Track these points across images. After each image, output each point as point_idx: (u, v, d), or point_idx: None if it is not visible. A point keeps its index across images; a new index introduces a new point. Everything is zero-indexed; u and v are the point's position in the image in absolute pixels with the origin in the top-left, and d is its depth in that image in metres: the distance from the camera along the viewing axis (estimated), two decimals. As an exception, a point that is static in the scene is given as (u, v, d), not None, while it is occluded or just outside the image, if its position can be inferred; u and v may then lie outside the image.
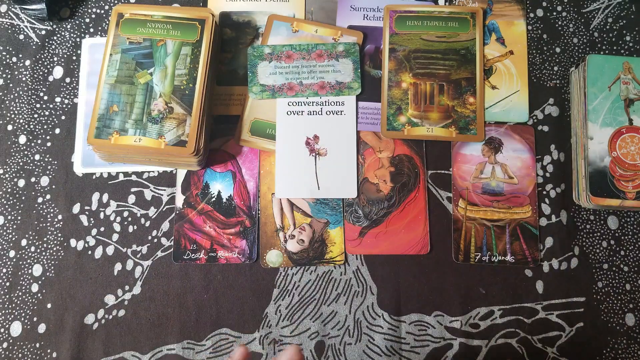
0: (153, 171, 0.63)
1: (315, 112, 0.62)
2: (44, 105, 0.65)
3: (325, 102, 0.63)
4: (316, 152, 0.61)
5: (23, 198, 0.63)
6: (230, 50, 0.65)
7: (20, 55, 0.66)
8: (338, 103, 0.63)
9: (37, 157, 0.64)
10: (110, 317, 0.59)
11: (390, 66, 0.63)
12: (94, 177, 0.63)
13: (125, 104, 0.59)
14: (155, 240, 0.61)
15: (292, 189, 0.61)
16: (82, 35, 0.67)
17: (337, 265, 0.60)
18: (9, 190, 0.63)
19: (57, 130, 0.64)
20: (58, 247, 0.61)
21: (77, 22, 0.67)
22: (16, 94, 0.65)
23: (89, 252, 0.61)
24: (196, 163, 0.59)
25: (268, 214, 0.61)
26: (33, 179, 0.63)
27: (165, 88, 0.59)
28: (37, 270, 0.61)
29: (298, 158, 0.61)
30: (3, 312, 0.60)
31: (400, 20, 0.64)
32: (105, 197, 0.62)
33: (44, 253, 0.61)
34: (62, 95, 0.65)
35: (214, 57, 0.62)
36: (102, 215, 0.62)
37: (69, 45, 0.66)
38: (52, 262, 0.61)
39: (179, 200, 0.62)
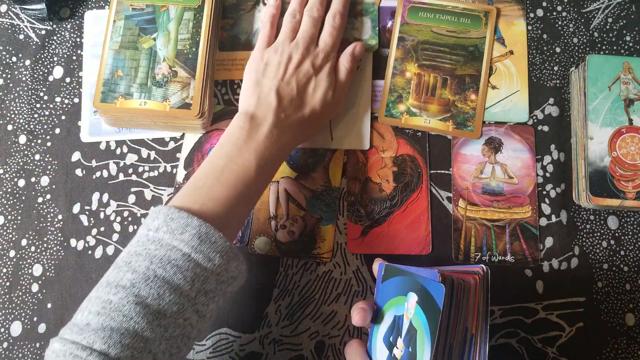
0: (156, 168, 0.63)
1: None
2: (44, 105, 0.65)
3: None
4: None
5: (23, 198, 0.63)
6: (231, 17, 0.66)
7: (20, 55, 0.66)
8: None
9: (37, 157, 0.64)
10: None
11: (397, 54, 0.64)
12: (94, 177, 0.63)
13: (129, 69, 0.60)
14: (156, 240, 0.61)
15: None
16: (82, 35, 0.67)
17: (323, 262, 0.60)
18: (9, 190, 0.63)
19: (57, 130, 0.64)
20: (58, 247, 0.61)
21: (77, 22, 0.67)
22: (16, 94, 0.65)
23: (89, 252, 0.61)
24: (201, 126, 0.61)
25: (263, 201, 0.61)
26: (33, 179, 0.63)
27: (169, 52, 0.60)
28: (37, 270, 0.61)
29: None
30: (3, 312, 0.60)
31: (413, 11, 0.65)
32: (105, 197, 0.62)
33: (44, 253, 0.61)
34: (62, 95, 0.65)
35: (216, 22, 0.63)
36: (102, 215, 0.62)
37: (69, 45, 0.66)
38: (52, 262, 0.61)
39: (180, 175, 0.62)
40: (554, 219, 0.61)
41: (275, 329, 0.59)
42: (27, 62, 0.66)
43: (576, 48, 0.65)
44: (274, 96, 0.54)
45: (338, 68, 0.60)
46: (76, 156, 0.64)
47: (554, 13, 0.66)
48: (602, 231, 0.61)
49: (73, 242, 0.61)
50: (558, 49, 0.65)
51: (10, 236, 0.62)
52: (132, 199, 0.62)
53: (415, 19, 0.65)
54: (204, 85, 0.60)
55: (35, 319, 0.59)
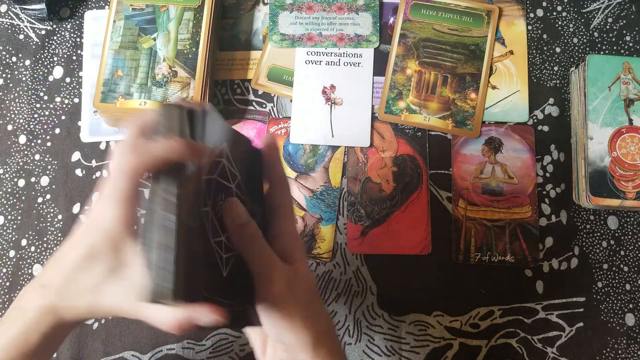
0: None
1: (333, 63, 0.64)
2: (44, 105, 0.65)
3: (344, 53, 0.64)
4: (332, 101, 0.63)
5: (23, 198, 0.63)
6: (231, 17, 0.67)
7: (20, 55, 0.66)
8: (356, 55, 0.64)
9: (37, 157, 0.63)
10: (110, 316, 0.59)
11: (398, 51, 0.64)
12: (94, 177, 0.63)
13: (129, 69, 0.60)
14: (156, 240, 0.61)
15: (306, 135, 0.63)
16: (82, 35, 0.66)
17: (323, 262, 0.60)
18: (9, 190, 0.63)
19: (57, 130, 0.64)
20: (58, 247, 0.61)
21: (77, 22, 0.67)
22: (16, 94, 0.65)
23: (89, 252, 0.61)
24: None
25: None
26: (33, 179, 0.63)
27: (169, 52, 0.61)
28: (37, 270, 0.61)
29: (314, 106, 0.63)
30: (3, 312, 0.60)
31: (416, 8, 0.65)
32: (105, 197, 0.62)
33: (44, 253, 0.61)
34: (62, 95, 0.65)
35: (216, 22, 0.63)
36: (102, 215, 0.62)
37: (69, 45, 0.66)
38: (52, 262, 0.61)
39: None
40: (553, 219, 0.61)
41: (275, 329, 0.59)
42: (27, 62, 0.66)
43: (576, 48, 0.65)
44: None
45: None
46: (76, 156, 0.64)
47: (554, 13, 0.66)
48: (602, 231, 0.61)
49: (73, 242, 0.61)
50: (558, 49, 0.65)
51: (10, 236, 0.62)
52: (132, 199, 0.62)
53: (418, 16, 0.65)
54: (204, 85, 0.60)
55: (35, 319, 0.59)
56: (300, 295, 0.35)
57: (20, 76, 0.66)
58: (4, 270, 0.61)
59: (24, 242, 0.62)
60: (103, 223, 0.32)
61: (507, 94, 0.64)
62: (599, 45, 0.65)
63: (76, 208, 0.62)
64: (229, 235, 0.33)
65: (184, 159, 0.31)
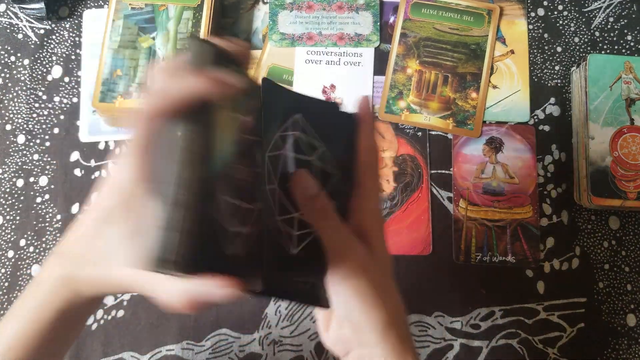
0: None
1: (333, 62, 0.64)
2: (42, 105, 0.65)
3: (344, 52, 0.64)
4: (332, 100, 0.63)
5: (22, 198, 0.62)
6: (231, 16, 0.66)
7: (19, 55, 0.66)
8: (356, 54, 0.64)
9: (35, 156, 0.63)
10: (109, 317, 0.59)
11: (398, 50, 0.64)
12: (93, 177, 0.63)
13: (128, 68, 0.60)
14: (155, 240, 0.61)
15: None
16: (81, 34, 0.66)
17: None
18: (8, 190, 0.63)
19: (56, 130, 0.64)
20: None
21: (76, 21, 0.67)
22: (15, 94, 0.65)
23: (88, 253, 0.61)
24: None
25: None
26: (32, 179, 0.63)
27: (168, 52, 0.60)
28: (36, 270, 0.61)
29: None
30: (2, 312, 0.60)
31: (416, 7, 0.65)
32: (104, 197, 0.62)
33: (42, 253, 0.61)
34: (61, 95, 0.65)
35: (215, 21, 0.63)
36: (101, 215, 0.62)
37: (67, 44, 0.66)
38: (51, 263, 0.61)
39: None
40: (555, 219, 0.61)
41: (275, 330, 0.59)
42: (26, 62, 0.66)
43: (577, 47, 0.65)
44: None
45: None
46: (75, 156, 0.63)
47: (555, 12, 0.66)
48: (603, 231, 0.61)
49: (72, 242, 0.61)
50: (559, 49, 0.65)
51: (9, 236, 0.61)
52: (131, 199, 0.62)
53: (418, 15, 0.65)
54: None
55: (33, 319, 0.59)
56: (373, 275, 0.33)
57: (18, 75, 0.65)
58: (3, 270, 0.61)
59: (22, 243, 0.61)
60: (117, 182, 0.28)
61: (508, 93, 0.64)
62: (600, 45, 0.65)
63: (75, 208, 0.62)
64: (301, 209, 0.32)
65: (209, 97, 0.26)
